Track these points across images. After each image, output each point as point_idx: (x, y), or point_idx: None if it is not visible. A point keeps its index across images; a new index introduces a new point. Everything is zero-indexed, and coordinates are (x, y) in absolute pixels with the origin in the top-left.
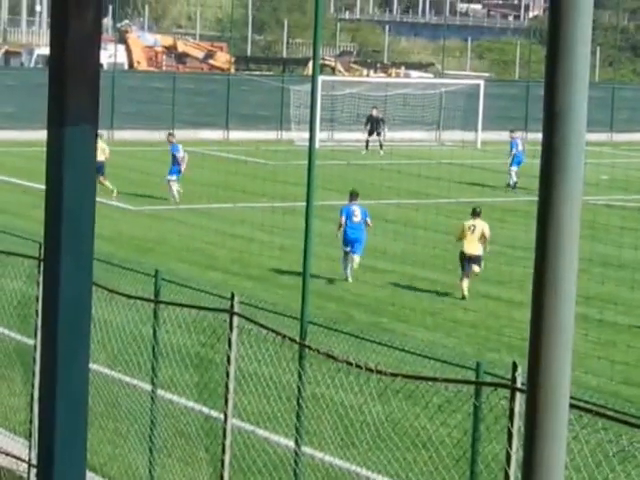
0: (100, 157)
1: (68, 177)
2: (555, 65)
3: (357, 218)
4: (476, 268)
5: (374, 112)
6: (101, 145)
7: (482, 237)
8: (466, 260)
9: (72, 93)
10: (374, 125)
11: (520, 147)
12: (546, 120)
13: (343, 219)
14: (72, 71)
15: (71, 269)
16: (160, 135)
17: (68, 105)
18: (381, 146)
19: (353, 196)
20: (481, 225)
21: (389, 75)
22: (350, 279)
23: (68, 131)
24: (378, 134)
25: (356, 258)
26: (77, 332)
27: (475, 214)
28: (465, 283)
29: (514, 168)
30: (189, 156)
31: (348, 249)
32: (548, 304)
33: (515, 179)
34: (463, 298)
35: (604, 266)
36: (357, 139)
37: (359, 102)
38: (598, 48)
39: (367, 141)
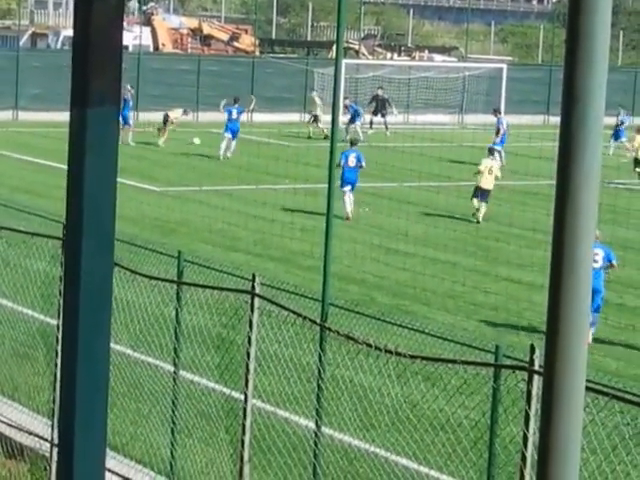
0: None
1: (90, 157)
2: (575, 48)
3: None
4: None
5: (379, 92)
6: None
7: None
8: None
9: (95, 75)
10: (379, 105)
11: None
12: (565, 103)
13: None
14: (95, 53)
15: (92, 249)
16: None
17: (91, 86)
18: (386, 127)
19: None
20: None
21: (413, 58)
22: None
23: (90, 112)
24: (383, 115)
25: None
26: (98, 312)
27: None
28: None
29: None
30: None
31: None
32: (565, 287)
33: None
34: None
35: (624, 250)
36: (380, 122)
37: (383, 85)
38: (621, 32)
39: (371, 121)
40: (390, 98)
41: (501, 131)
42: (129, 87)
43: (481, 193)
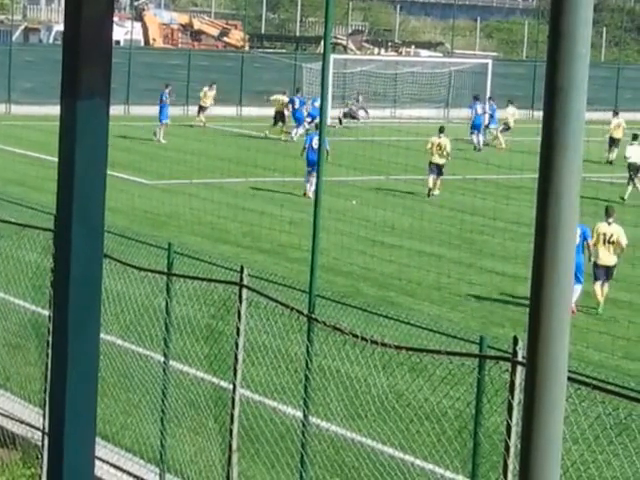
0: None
1: (80, 149)
2: (557, 44)
3: None
4: None
5: (353, 108)
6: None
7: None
8: None
9: (85, 67)
10: (352, 114)
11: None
12: (547, 98)
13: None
14: (85, 46)
15: (82, 240)
16: (175, 111)
17: (81, 79)
18: (358, 118)
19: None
20: None
21: (399, 54)
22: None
23: (81, 104)
24: (355, 116)
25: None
26: (88, 303)
27: None
28: None
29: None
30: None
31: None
32: (547, 279)
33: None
34: None
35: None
36: (370, 115)
37: (370, 80)
38: (604, 29)
39: (340, 119)
40: (366, 107)
41: (472, 115)
42: (165, 86)
43: (435, 168)
